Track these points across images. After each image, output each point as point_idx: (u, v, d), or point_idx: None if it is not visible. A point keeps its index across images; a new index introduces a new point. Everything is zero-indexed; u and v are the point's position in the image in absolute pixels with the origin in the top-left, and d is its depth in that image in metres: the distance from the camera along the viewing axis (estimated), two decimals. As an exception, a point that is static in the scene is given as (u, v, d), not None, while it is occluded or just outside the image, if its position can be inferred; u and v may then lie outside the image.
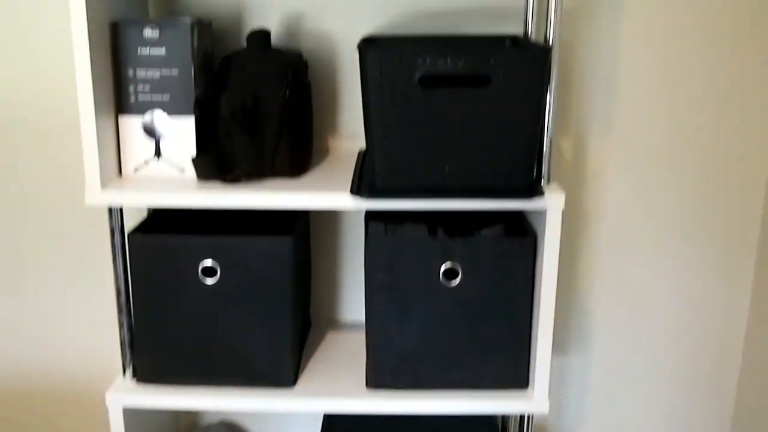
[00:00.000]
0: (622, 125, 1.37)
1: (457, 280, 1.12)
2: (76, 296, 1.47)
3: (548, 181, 1.12)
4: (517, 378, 1.17)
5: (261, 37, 1.17)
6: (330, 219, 1.41)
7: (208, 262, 1.12)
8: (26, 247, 1.45)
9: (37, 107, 1.37)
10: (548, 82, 1.07)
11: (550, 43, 1.07)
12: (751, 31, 1.32)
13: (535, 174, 1.11)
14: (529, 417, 1.25)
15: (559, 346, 1.49)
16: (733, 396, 1.52)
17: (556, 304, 1.45)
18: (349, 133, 1.36)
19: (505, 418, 1.46)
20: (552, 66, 1.07)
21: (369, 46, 0.99)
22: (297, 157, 1.17)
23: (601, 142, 1.38)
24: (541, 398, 1.15)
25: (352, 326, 1.44)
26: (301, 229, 1.23)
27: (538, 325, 1.12)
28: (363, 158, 1.26)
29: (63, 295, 1.47)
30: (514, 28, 1.30)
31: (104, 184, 1.09)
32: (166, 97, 1.13)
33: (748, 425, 1.47)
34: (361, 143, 1.36)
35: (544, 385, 1.14)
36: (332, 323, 1.46)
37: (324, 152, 1.35)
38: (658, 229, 1.42)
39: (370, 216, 1.23)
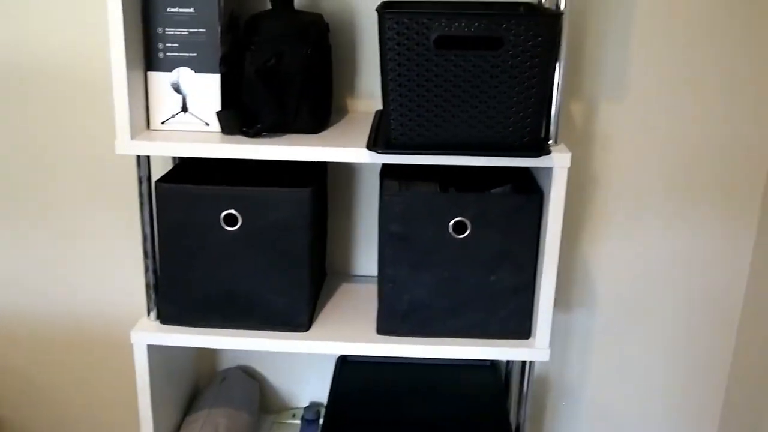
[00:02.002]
0: (632, 92, 1.41)
1: (466, 233, 1.18)
2: (106, 241, 1.54)
3: (556, 141, 1.17)
4: (521, 328, 1.23)
5: (285, -2, 1.22)
6: (347, 175, 1.47)
7: (230, 211, 1.18)
8: (60, 193, 1.52)
9: (70, 61, 1.43)
10: (559, 47, 1.12)
11: (562, 9, 1.12)
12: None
13: (543, 134, 1.16)
14: (531, 365, 1.31)
15: (563, 303, 1.56)
16: (731, 352, 1.58)
17: (561, 263, 1.51)
18: (368, 93, 1.42)
19: (508, 368, 1.53)
20: (563, 32, 1.12)
21: (387, 9, 1.04)
22: (317, 114, 1.23)
23: (612, 108, 1.42)
24: (542, 346, 1.21)
25: (365, 278, 1.50)
26: (319, 183, 1.30)
27: (541, 278, 1.19)
28: (380, 117, 1.32)
29: (93, 239, 1.55)
30: (528, -5, 1.34)
31: (133, 134, 1.15)
32: (193, 55, 1.19)
33: (745, 378, 1.53)
34: (378, 104, 1.41)
35: (546, 335, 1.21)
36: (346, 275, 1.52)
37: (343, 111, 1.41)
38: (664, 192, 1.47)
39: (386, 173, 1.29)
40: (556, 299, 1.53)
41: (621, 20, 1.37)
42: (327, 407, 1.39)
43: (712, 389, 1.61)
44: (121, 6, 1.08)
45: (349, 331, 1.26)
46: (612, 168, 1.46)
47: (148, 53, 1.19)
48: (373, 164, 1.46)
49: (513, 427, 1.36)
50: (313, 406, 1.59)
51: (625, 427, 1.65)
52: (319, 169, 1.35)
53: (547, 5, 1.25)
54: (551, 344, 1.26)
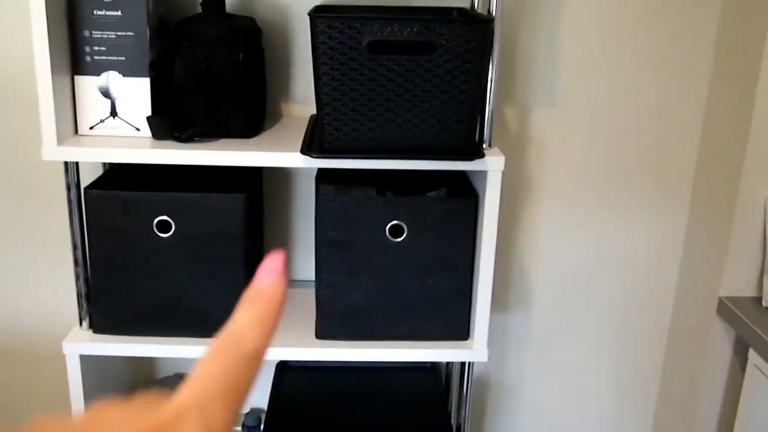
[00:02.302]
0: (565, 97, 1.44)
1: (403, 237, 1.18)
2: (34, 250, 1.50)
3: (490, 145, 1.18)
4: (459, 330, 1.24)
5: (216, 2, 1.20)
6: (283, 180, 1.46)
7: (163, 217, 1.16)
8: (-19, 204, 1.47)
9: (-8, 66, 1.39)
10: (491, 52, 1.13)
11: (494, 15, 1.13)
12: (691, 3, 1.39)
13: (477, 138, 1.17)
14: (470, 366, 1.32)
15: (501, 304, 1.57)
16: (663, 350, 1.62)
17: (498, 265, 1.52)
18: (302, 98, 1.41)
19: (449, 370, 1.54)
20: (495, 37, 1.13)
21: (320, 13, 1.04)
22: (250, 119, 1.21)
23: (545, 113, 1.45)
24: (480, 348, 1.22)
25: (303, 283, 1.49)
26: (253, 189, 1.28)
27: (478, 280, 1.20)
28: (314, 121, 1.31)
29: (23, 248, 1.50)
30: (461, 2, 1.35)
31: (60, 140, 1.12)
32: (121, 59, 1.16)
33: (677, 375, 1.57)
34: (313, 108, 1.41)
35: (484, 336, 1.22)
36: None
37: (277, 116, 1.40)
38: (596, 193, 1.50)
39: (322, 178, 1.29)
40: (493, 301, 1.55)
41: (550, 26, 1.39)
42: (267, 413, 1.37)
43: (646, 387, 1.65)
44: (44, 8, 1.05)
45: (288, 337, 1.25)
46: (545, 170, 1.48)
47: (75, 57, 1.16)
48: (308, 169, 1.45)
49: (454, 427, 1.36)
50: (254, 413, 1.57)
51: (563, 425, 1.68)
52: (254, 174, 1.34)
53: (479, 11, 1.27)
54: (490, 345, 1.27)
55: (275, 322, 0.32)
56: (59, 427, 0.27)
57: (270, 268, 0.35)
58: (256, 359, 0.31)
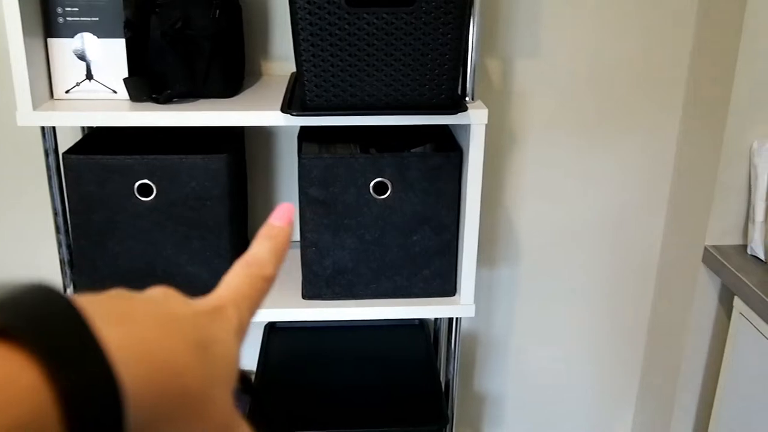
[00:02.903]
0: (547, 47, 1.42)
1: (387, 194, 1.17)
2: (15, 218, 1.48)
3: (473, 98, 1.17)
4: (446, 286, 1.24)
5: (189, -43, 1.17)
6: (265, 140, 1.45)
7: (143, 181, 1.15)
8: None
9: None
10: (472, 3, 1.11)
11: (473, -37, 1.11)
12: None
13: (460, 92, 1.16)
14: (457, 322, 1.33)
15: (487, 258, 1.57)
16: (650, 302, 1.64)
17: (483, 220, 1.52)
18: (281, 56, 1.39)
19: (437, 327, 1.55)
20: (475, -13, 1.11)
21: (296, -34, 1.01)
22: (229, 78, 1.19)
23: (527, 64, 1.43)
24: (467, 303, 1.23)
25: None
26: (235, 150, 1.27)
27: (464, 235, 1.19)
28: (295, 80, 1.29)
29: (2, 216, 1.48)
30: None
31: (36, 105, 1.10)
32: (95, 20, 1.14)
33: (664, 327, 1.59)
34: (293, 66, 1.38)
35: (470, 292, 1.22)
36: (270, 243, 1.50)
37: (256, 75, 1.37)
38: (581, 146, 1.50)
39: (304, 137, 1.27)
40: (479, 256, 1.55)
41: (534, -25, 1.37)
42: (256, 375, 1.37)
43: (633, 337, 1.67)
44: (12, -32, 1.03)
45: (275, 298, 1.25)
46: (529, 122, 1.47)
47: (47, 19, 1.13)
48: (291, 128, 1.43)
49: (443, 384, 1.37)
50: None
51: (552, 377, 1.70)
52: (236, 135, 1.32)
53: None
54: (477, 300, 1.27)
55: (285, 256, 0.40)
56: (128, 297, 0.32)
57: (281, 213, 0.41)
58: (269, 282, 0.39)
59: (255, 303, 0.38)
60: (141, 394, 0.27)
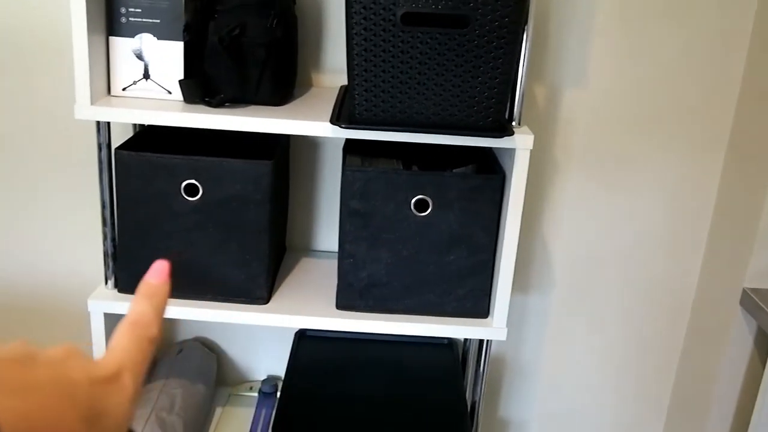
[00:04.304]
0: (595, 76, 1.42)
1: (428, 212, 1.18)
2: (64, 208, 1.52)
3: (519, 123, 1.18)
4: (479, 307, 1.25)
5: (251, -33, 1.20)
6: (309, 150, 1.47)
7: (190, 181, 1.17)
8: (19, 158, 1.49)
9: (31, 23, 1.40)
10: (525, 28, 1.12)
11: (529, -10, 1.12)
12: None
13: (506, 115, 1.17)
14: (488, 344, 1.33)
15: (521, 285, 1.57)
16: (683, 336, 1.62)
17: (520, 242, 1.52)
18: (332, 68, 1.41)
19: (465, 347, 1.55)
20: (530, 13, 1.12)
21: (355, -18, 1.03)
22: (280, 87, 1.21)
23: (574, 92, 1.43)
24: (500, 326, 1.23)
25: (324, 254, 1.50)
26: (280, 156, 1.29)
27: (501, 258, 1.20)
28: (344, 92, 1.31)
29: (51, 206, 1.52)
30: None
31: (93, 100, 1.13)
32: (156, 21, 1.17)
33: (693, 369, 1.57)
34: (343, 79, 1.41)
35: (504, 315, 1.22)
36: (306, 251, 1.52)
37: (307, 85, 1.40)
38: (621, 177, 1.49)
39: (348, 149, 1.29)
40: (513, 280, 1.55)
41: (583, 3, 1.38)
42: (284, 381, 1.39)
43: (664, 373, 1.65)
44: (82, -33, 1.06)
45: (308, 306, 1.26)
46: (572, 150, 1.47)
47: (110, 18, 1.17)
48: (336, 139, 1.45)
49: (469, 404, 1.37)
50: (271, 380, 1.59)
51: (578, 407, 1.68)
52: (281, 142, 1.34)
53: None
54: (507, 324, 1.27)
55: (164, 313, 0.41)
56: (29, 358, 0.32)
57: (157, 271, 0.41)
58: (153, 343, 0.39)
59: (143, 366, 0.38)
60: None
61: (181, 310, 1.22)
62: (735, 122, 1.44)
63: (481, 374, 1.35)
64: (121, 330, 0.38)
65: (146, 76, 1.19)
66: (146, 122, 1.12)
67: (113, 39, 1.17)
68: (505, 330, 1.23)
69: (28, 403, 0.28)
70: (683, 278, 1.57)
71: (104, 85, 1.18)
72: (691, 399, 1.56)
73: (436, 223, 1.19)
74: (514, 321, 1.60)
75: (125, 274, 1.24)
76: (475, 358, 1.38)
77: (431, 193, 1.18)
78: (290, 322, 1.23)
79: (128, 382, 0.35)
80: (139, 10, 1.16)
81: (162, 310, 0.40)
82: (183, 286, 1.23)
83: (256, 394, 1.59)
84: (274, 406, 1.54)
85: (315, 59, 1.40)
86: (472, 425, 1.38)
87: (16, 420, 0.27)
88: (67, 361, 0.33)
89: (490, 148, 1.33)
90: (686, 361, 1.60)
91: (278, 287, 1.33)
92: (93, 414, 0.31)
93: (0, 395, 0.27)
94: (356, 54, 1.06)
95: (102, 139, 1.19)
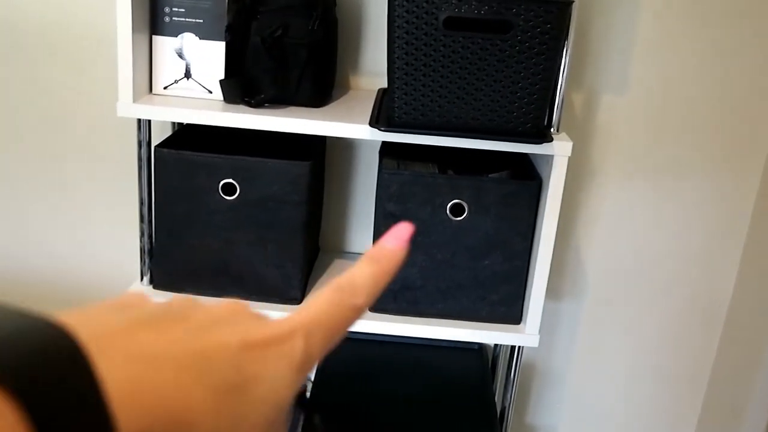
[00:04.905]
0: (632, 83, 1.41)
1: (463, 216, 1.18)
2: (102, 204, 1.54)
3: (557, 130, 1.18)
4: (511, 313, 1.24)
5: (294, -31, 1.21)
6: (345, 152, 1.47)
7: (228, 180, 1.18)
8: (59, 153, 1.51)
9: (75, 20, 1.42)
10: (567, 35, 1.12)
11: (572, -4, 1.12)
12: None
13: (545, 122, 1.17)
14: (519, 350, 1.32)
15: (553, 291, 1.57)
16: (716, 346, 1.60)
17: (554, 251, 1.51)
18: (371, 71, 1.41)
19: (495, 353, 1.54)
20: (572, 20, 1.12)
21: (398, -15, 1.03)
22: (320, 88, 1.22)
23: (613, 100, 1.43)
24: (532, 332, 1.22)
25: (357, 256, 1.50)
26: (318, 157, 1.29)
27: (535, 265, 1.19)
28: (382, 96, 1.32)
29: (90, 202, 1.54)
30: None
31: (136, 98, 1.15)
32: (199, 21, 1.18)
33: (724, 381, 1.55)
34: (381, 82, 1.41)
35: (536, 321, 1.22)
36: (339, 251, 1.53)
37: (345, 87, 1.40)
38: (658, 186, 1.48)
39: (385, 152, 1.29)
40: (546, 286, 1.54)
41: (624, 11, 1.37)
42: (314, 382, 1.39)
43: (695, 384, 1.63)
44: (129, -33, 1.08)
45: (340, 307, 1.26)
46: (609, 158, 1.46)
47: (154, 17, 1.18)
48: (372, 142, 1.46)
49: (498, 410, 1.37)
50: (299, 380, 1.59)
51: (605, 418, 1.67)
52: (319, 143, 1.35)
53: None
54: (539, 330, 1.27)
55: (386, 285, 0.35)
56: (161, 308, 0.29)
57: (399, 234, 0.36)
58: (358, 312, 0.33)
59: (334, 333, 0.32)
60: None
61: (215, 308, 1.23)
62: (775, 133, 1.43)
63: (512, 380, 1.35)
64: (325, 290, 0.33)
65: (187, 75, 1.20)
66: (187, 121, 1.13)
67: (156, 38, 1.19)
68: (538, 337, 1.23)
69: (146, 374, 0.25)
70: (717, 290, 1.55)
71: (146, 83, 1.19)
72: (724, 409, 1.54)
73: (472, 227, 1.19)
74: (545, 327, 1.59)
75: (161, 270, 1.25)
76: (506, 364, 1.38)
77: (468, 197, 1.18)
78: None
79: (298, 347, 0.30)
80: (183, 10, 1.18)
81: (383, 279, 0.34)
82: (217, 284, 1.24)
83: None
84: (303, 407, 1.54)
85: (353, 61, 1.41)
86: (501, 431, 1.38)
87: (129, 395, 0.24)
88: (220, 323, 0.29)
89: (526, 154, 1.32)
90: (719, 371, 1.58)
91: (311, 288, 1.33)
92: (237, 383, 0.27)
93: (117, 362, 0.24)
94: (397, 57, 1.06)
95: (142, 137, 1.20)
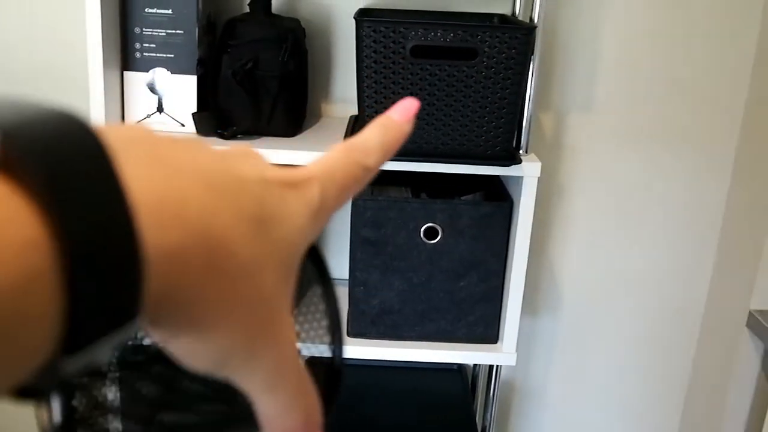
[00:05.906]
0: (601, 104, 1.45)
1: (437, 239, 1.20)
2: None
3: (526, 151, 1.20)
4: (488, 333, 1.26)
5: (263, 3, 1.23)
6: (319, 179, 1.48)
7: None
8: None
9: (47, 58, 1.43)
10: (531, 59, 1.15)
11: (535, 22, 1.15)
12: (727, 17, 1.40)
13: (514, 144, 1.19)
14: (497, 369, 1.34)
15: (530, 307, 1.59)
16: (691, 359, 1.63)
17: (528, 268, 1.54)
18: (342, 98, 1.43)
19: (475, 373, 1.56)
20: (536, 44, 1.15)
21: (365, 17, 1.06)
22: (292, 118, 1.24)
23: (580, 120, 1.46)
24: (509, 351, 1.24)
25: (334, 281, 1.52)
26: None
27: (510, 284, 1.21)
28: (354, 122, 1.34)
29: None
30: (503, 8, 1.37)
31: (110, 134, 1.15)
32: (170, 56, 1.20)
33: (703, 385, 1.58)
34: (352, 109, 1.43)
35: (513, 340, 1.24)
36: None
37: (317, 116, 1.42)
38: (628, 202, 1.51)
39: (358, 177, 1.31)
40: (522, 304, 1.56)
41: (588, 33, 1.41)
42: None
43: (673, 395, 1.66)
44: (99, 5, 1.09)
45: (320, 333, 1.27)
46: (578, 176, 1.49)
47: (125, 53, 1.19)
48: (346, 168, 1.47)
49: (479, 429, 1.38)
50: (281, 408, 1.59)
51: (587, 430, 1.69)
52: (293, 172, 1.36)
53: (520, 17, 1.28)
54: (517, 348, 1.28)
55: (393, 152, 0.34)
56: (189, 143, 0.26)
57: (404, 108, 0.36)
58: (368, 173, 0.33)
59: (346, 188, 0.31)
60: (166, 262, 0.21)
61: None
62: (739, 146, 1.47)
63: (491, 399, 1.37)
64: (338, 147, 0.32)
65: (160, 109, 1.21)
66: (161, 155, 1.14)
67: (128, 74, 1.20)
68: (515, 355, 1.24)
69: (173, 181, 0.23)
70: (691, 301, 1.58)
71: (119, 118, 1.20)
72: (701, 421, 1.57)
73: (447, 250, 1.21)
74: (522, 344, 1.61)
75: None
76: (485, 383, 1.39)
77: (442, 220, 1.20)
78: (300, 350, 1.24)
79: (316, 193, 0.29)
80: (153, 45, 1.19)
81: (391, 147, 0.34)
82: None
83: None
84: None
85: (324, 90, 1.43)
86: (484, 450, 1.39)
87: (156, 200, 0.21)
88: (240, 158, 0.28)
89: (498, 176, 1.35)
90: (695, 384, 1.61)
91: (290, 315, 1.34)
92: (261, 215, 0.26)
93: (136, 167, 0.22)
94: (366, 86, 1.08)
95: (117, 172, 1.21)
